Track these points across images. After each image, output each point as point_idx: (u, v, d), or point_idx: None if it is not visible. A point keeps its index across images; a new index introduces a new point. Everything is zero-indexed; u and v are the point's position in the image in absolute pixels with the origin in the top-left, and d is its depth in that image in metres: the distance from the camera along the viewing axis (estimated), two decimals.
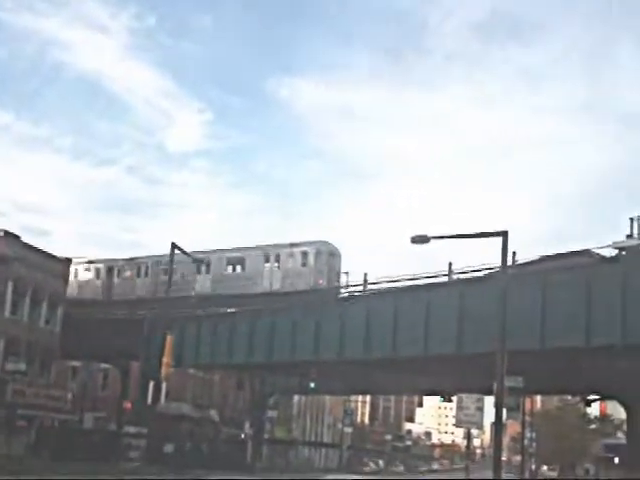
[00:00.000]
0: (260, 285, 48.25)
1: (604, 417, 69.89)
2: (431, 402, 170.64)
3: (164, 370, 39.35)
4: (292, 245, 48.11)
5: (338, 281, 47.39)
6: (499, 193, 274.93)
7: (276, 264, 48.39)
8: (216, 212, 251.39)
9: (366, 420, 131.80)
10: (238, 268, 50.71)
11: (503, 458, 77.60)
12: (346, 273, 47.04)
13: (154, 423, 48.09)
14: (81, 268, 57.62)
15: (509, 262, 30.35)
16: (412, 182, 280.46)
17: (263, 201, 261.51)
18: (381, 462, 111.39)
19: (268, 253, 48.79)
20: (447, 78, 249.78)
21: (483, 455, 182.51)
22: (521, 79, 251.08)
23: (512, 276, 29.36)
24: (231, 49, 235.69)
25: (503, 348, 26.71)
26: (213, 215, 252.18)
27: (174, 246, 44.27)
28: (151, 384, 41.33)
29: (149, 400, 41.65)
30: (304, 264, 47.10)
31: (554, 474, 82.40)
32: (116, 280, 56.21)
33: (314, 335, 42.81)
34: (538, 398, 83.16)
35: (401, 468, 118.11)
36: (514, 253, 33.61)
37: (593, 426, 69.09)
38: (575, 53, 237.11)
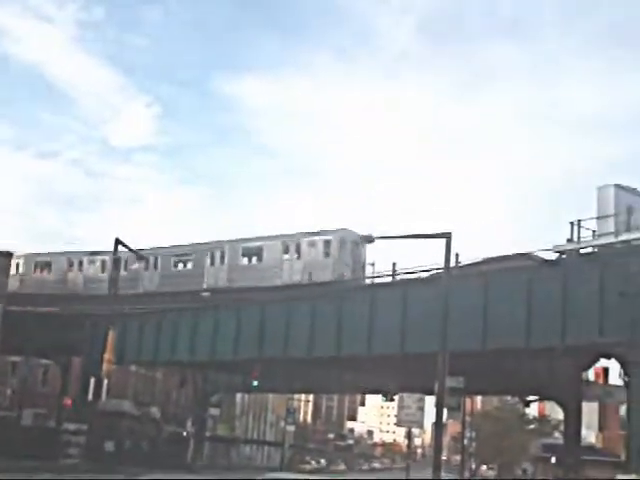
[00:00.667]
0: (279, 277, 45.37)
1: (542, 418, 70.98)
2: (374, 401, 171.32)
3: (106, 367, 39.03)
4: (314, 234, 44.80)
5: (363, 273, 44.40)
6: (450, 193, 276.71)
7: (296, 255, 45.20)
8: (163, 208, 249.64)
9: (309, 419, 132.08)
10: (254, 259, 47.55)
11: (443, 457, 78.47)
12: (372, 264, 43.67)
13: (94, 420, 47.56)
14: (63, 260, 55.54)
15: (452, 263, 30.79)
16: (360, 180, 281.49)
17: (211, 197, 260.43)
18: (323, 461, 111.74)
19: (287, 243, 45.52)
20: (396, 78, 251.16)
21: (424, 454, 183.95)
22: (470, 80, 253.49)
23: (455, 277, 29.70)
24: (180, 44, 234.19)
25: (445, 348, 27.01)
26: (159, 210, 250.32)
27: (118, 242, 43.83)
28: (92, 381, 40.91)
29: (90, 397, 41.20)
30: (327, 254, 43.80)
31: (493, 473, 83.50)
32: (123, 273, 51.89)
33: (258, 333, 42.70)
34: (479, 398, 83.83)
35: (342, 466, 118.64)
36: (457, 255, 33.95)
37: (532, 426, 70.11)
38: (525, 57, 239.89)
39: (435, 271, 35.35)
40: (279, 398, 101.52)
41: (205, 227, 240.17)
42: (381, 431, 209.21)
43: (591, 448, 58.02)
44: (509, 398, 67.25)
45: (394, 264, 39.74)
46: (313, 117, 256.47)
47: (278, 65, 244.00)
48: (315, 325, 40.47)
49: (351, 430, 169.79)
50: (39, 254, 58.22)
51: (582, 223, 32.44)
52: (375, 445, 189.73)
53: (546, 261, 33.56)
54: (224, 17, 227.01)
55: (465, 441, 67.71)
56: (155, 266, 51.35)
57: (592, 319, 30.34)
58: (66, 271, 55.56)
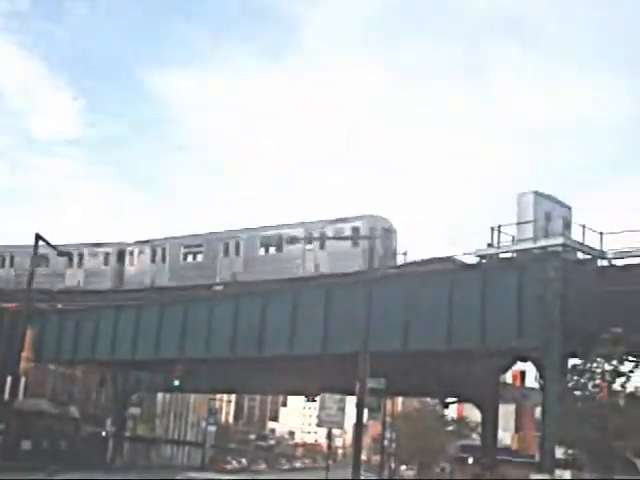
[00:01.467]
0: (302, 268, 41.38)
1: (461, 419, 72.00)
2: (296, 402, 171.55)
3: (23, 365, 38.24)
4: (340, 220, 40.79)
5: (394, 263, 40.35)
6: (385, 189, 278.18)
7: (320, 244, 41.21)
8: (86, 201, 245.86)
9: (230, 419, 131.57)
10: (272, 250, 43.42)
11: (363, 458, 78.83)
12: (404, 254, 40.15)
13: (11, 419, 46.60)
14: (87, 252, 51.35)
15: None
16: (283, 175, 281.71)
17: (136, 191, 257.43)
18: (244, 461, 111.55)
19: (311, 231, 41.33)
20: (320, 76, 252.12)
21: (345, 455, 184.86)
22: (398, 81, 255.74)
23: (377, 279, 30.07)
24: (107, 37, 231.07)
25: (366, 349, 27.34)
26: (84, 205, 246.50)
27: (38, 237, 42.96)
28: (9, 379, 40.13)
29: (6, 396, 40.39)
30: (355, 243, 40.02)
31: (412, 473, 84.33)
32: (128, 266, 49.41)
33: (180, 332, 42.48)
34: (400, 400, 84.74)
35: (263, 466, 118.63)
36: (381, 258, 34.28)
37: (450, 428, 70.96)
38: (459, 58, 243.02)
39: (358, 272, 35.73)
40: (201, 398, 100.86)
41: (134, 223, 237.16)
42: (303, 432, 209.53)
43: (507, 449, 59.05)
44: (429, 400, 68.03)
45: (317, 266, 39.95)
46: (239, 111, 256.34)
47: (204, 59, 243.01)
48: (237, 325, 40.45)
49: (272, 430, 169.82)
50: None
51: (503, 229, 33.12)
52: (296, 445, 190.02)
53: (467, 265, 34.16)
54: (150, 11, 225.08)
55: (385, 442, 68.46)
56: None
57: (510, 323, 31.07)
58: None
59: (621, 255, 31.82)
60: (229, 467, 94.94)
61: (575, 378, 27.30)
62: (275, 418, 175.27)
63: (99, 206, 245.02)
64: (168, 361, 45.90)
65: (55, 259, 48.97)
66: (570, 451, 28.40)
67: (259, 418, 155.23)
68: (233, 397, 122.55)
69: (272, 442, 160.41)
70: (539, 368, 32.10)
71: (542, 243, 31.67)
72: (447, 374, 42.19)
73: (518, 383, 66.09)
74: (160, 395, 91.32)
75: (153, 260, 47.70)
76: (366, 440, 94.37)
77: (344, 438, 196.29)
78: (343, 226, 40.03)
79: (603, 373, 26.68)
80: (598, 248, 31.77)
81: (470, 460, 60.24)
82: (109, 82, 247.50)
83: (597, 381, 26.87)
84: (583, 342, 27.45)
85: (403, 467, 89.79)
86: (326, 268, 40.28)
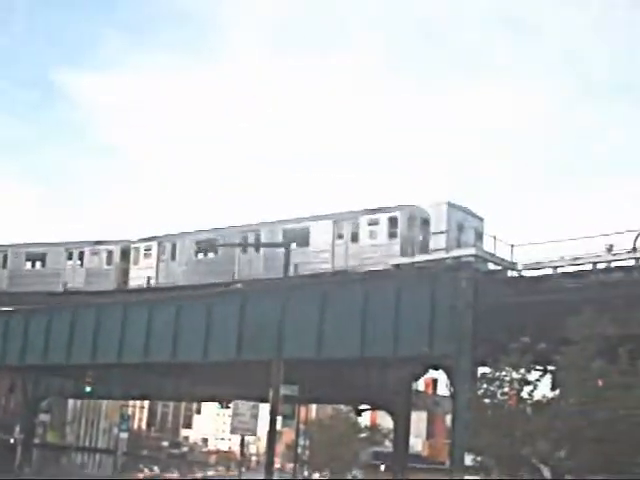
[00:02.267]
0: (330, 264, 37.71)
1: (374, 426, 72.62)
2: (210, 409, 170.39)
3: None
4: (375, 211, 37.16)
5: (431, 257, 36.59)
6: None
7: (351, 236, 37.51)
8: None
9: (143, 425, 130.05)
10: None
11: (277, 465, 78.58)
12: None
13: None
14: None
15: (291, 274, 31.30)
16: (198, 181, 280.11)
17: (48, 194, 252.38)
18: (156, 468, 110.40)
19: (341, 222, 37.89)
20: (235, 80, 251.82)
21: (258, 462, 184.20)
22: (317, 82, 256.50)
23: (292, 286, 30.20)
24: (19, 38, 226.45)
25: (280, 356, 27.42)
26: None
27: None
28: None
29: None
30: (392, 234, 36.22)
31: None
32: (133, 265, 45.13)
33: (92, 337, 41.84)
34: (314, 407, 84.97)
35: (176, 474, 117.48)
36: (296, 265, 34.43)
37: (363, 435, 71.47)
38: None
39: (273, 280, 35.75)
40: (113, 404, 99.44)
41: (44, 225, 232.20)
42: (216, 439, 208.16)
43: (418, 456, 59.92)
44: (343, 407, 68.40)
45: (233, 274, 39.86)
46: (154, 114, 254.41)
47: (120, 62, 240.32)
48: (151, 330, 40.02)
49: (186, 437, 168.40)
50: None
51: None
52: (210, 453, 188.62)
53: (380, 272, 34.53)
54: (64, 12, 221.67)
55: (299, 449, 68.45)
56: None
57: (422, 331, 31.55)
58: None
59: (530, 267, 32.69)
60: (141, 475, 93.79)
61: (485, 386, 27.82)
62: (189, 425, 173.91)
63: (11, 207, 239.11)
64: (80, 367, 45.17)
65: (54, 258, 46.86)
66: (479, 457, 28.95)
67: (172, 425, 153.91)
68: (146, 404, 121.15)
69: (185, 449, 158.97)
70: (450, 376, 32.65)
71: (455, 253, 32.31)
72: (360, 382, 42.56)
73: (430, 391, 67.24)
74: (71, 401, 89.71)
75: (161, 258, 43.78)
76: (280, 447, 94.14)
77: (258, 445, 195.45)
78: (379, 217, 36.93)
79: (511, 381, 27.27)
80: (509, 259, 32.59)
81: (382, 467, 60.86)
82: (22, 83, 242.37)
83: (506, 389, 27.46)
84: (493, 351, 28.04)
85: (316, 475, 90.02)
86: (356, 261, 36.82)
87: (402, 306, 32.36)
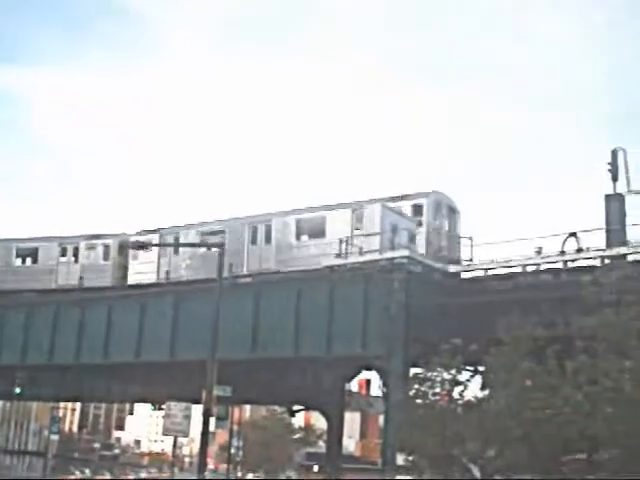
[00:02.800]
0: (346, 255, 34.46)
1: (308, 427, 72.96)
2: (143, 410, 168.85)
3: None
4: (398, 198, 34.84)
5: (459, 248, 34.92)
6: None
7: (371, 225, 34.51)
8: None
9: (75, 428, 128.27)
10: (304, 237, 37.01)
11: (210, 466, 78.31)
12: (470, 238, 34.25)
13: None
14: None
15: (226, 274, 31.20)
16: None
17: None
18: (88, 471, 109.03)
19: (360, 211, 34.95)
20: (178, 77, 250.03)
21: (192, 463, 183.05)
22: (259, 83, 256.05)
23: (227, 286, 30.11)
24: None
25: (214, 357, 27.31)
26: None
27: None
28: None
29: None
30: (418, 223, 34.28)
31: None
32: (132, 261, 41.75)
33: (23, 337, 41.17)
34: (248, 408, 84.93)
35: (108, 476, 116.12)
36: (230, 265, 34.33)
37: (297, 436, 71.77)
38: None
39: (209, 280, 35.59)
40: (43, 406, 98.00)
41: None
42: (149, 440, 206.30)
43: (351, 456, 60.27)
44: (277, 408, 68.51)
45: (167, 272, 39.57)
46: (94, 113, 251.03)
47: (60, 60, 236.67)
48: (83, 332, 39.61)
49: (118, 439, 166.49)
50: None
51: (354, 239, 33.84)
52: (142, 454, 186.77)
53: (315, 271, 34.61)
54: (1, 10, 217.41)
55: (232, 450, 68.38)
56: None
57: (356, 332, 31.79)
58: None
59: (463, 268, 33.19)
60: (72, 477, 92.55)
61: (416, 387, 28.13)
62: (121, 427, 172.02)
63: None
64: (9, 368, 44.34)
65: (46, 253, 43.82)
66: (411, 457, 29.26)
67: (105, 427, 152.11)
68: (78, 405, 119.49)
69: (117, 451, 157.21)
70: (383, 377, 32.93)
71: (389, 255, 32.55)
72: (294, 382, 42.61)
73: (364, 392, 67.61)
74: (0, 403, 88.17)
75: (163, 252, 40.56)
76: (214, 448, 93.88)
77: (191, 446, 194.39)
78: (402, 204, 34.78)
79: (443, 382, 27.65)
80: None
81: (315, 468, 61.08)
82: None
83: (437, 389, 27.82)
84: (425, 352, 28.39)
85: (250, 475, 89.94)
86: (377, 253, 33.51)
87: (336, 307, 32.56)
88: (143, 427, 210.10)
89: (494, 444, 25.53)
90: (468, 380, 27.98)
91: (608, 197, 30.68)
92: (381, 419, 46.06)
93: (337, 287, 32.98)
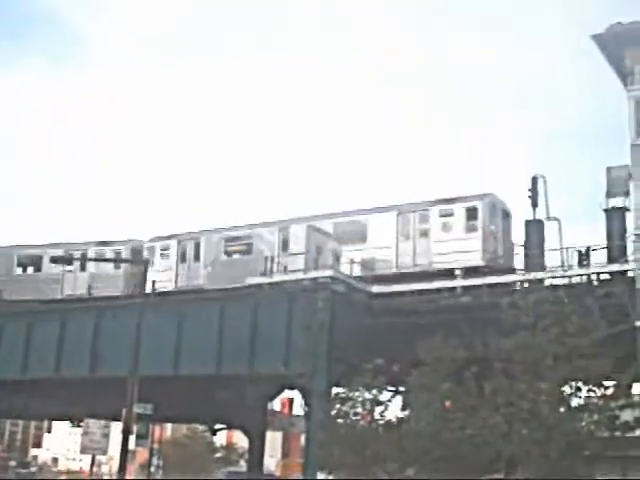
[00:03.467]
0: (393, 262, 33.36)
1: (230, 446, 72.56)
2: (61, 428, 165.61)
3: None
4: (448, 201, 32.80)
5: (513, 254, 32.66)
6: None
7: (419, 231, 33.12)
8: None
9: None
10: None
11: None
12: (523, 246, 31.98)
13: None
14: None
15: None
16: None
17: None
18: None
19: (406, 214, 33.29)
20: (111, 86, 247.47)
21: None
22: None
23: (149, 303, 29.89)
24: None
25: (135, 373, 27.02)
26: None
27: None
28: None
29: None
30: (472, 228, 32.05)
31: None
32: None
33: None
34: (169, 426, 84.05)
35: None
36: (153, 282, 34.11)
37: (219, 454, 71.32)
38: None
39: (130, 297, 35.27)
40: None
41: None
42: (67, 459, 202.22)
43: (270, 475, 60.11)
44: (199, 426, 68.01)
45: (89, 287, 39.09)
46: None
47: None
48: (0, 345, 38.82)
49: (35, 457, 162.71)
50: None
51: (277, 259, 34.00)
52: (60, 472, 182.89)
53: (236, 289, 34.64)
54: None
55: (152, 468, 67.50)
56: None
57: (279, 350, 31.82)
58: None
59: (387, 289, 33.42)
60: None
61: (338, 406, 28.31)
62: (38, 444, 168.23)
63: None
64: None
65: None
66: (331, 476, 29.38)
67: (21, 444, 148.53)
68: None
69: (34, 469, 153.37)
70: (305, 396, 33.05)
71: (313, 274, 32.76)
72: (217, 400, 42.42)
73: (287, 410, 67.51)
74: None
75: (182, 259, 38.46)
76: (133, 467, 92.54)
77: (111, 465, 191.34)
78: (452, 207, 32.62)
79: (364, 402, 27.88)
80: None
81: None
82: None
83: (358, 409, 28.03)
84: (347, 371, 28.64)
85: None
86: (425, 260, 32.79)
87: (259, 325, 32.59)
88: (61, 445, 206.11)
89: (413, 464, 25.83)
90: (389, 400, 28.34)
91: (528, 222, 31.40)
92: (303, 438, 46.05)
93: (261, 305, 33.04)
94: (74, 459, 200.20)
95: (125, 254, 40.14)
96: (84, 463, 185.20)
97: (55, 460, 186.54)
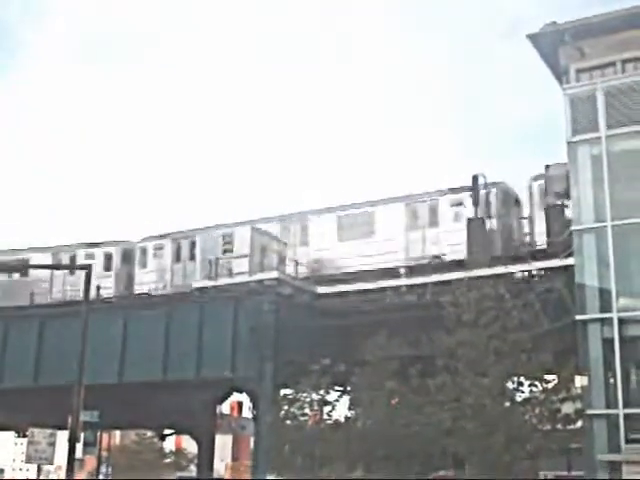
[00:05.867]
0: (403, 254, 32.44)
1: (179, 451, 72.14)
2: (6, 437, 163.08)
3: None
4: (457, 190, 32.14)
5: (525, 244, 31.61)
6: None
7: (428, 222, 32.39)
8: None
9: None
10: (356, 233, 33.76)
11: None
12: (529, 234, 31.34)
13: None
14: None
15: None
16: None
17: None
18: None
19: (414, 205, 32.81)
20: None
21: None
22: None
23: (95, 310, 29.63)
24: None
25: (80, 381, 26.81)
26: None
27: None
28: None
29: None
30: (487, 215, 31.30)
31: None
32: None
33: None
34: (118, 433, 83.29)
35: None
36: (98, 287, 33.86)
37: (168, 460, 70.88)
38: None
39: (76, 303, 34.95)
40: None
41: None
42: (13, 469, 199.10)
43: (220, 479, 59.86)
44: (148, 432, 67.51)
45: (32, 294, 38.55)
46: None
47: None
48: None
49: None
50: None
51: (222, 261, 33.93)
52: None
53: (185, 294, 34.55)
54: None
55: (101, 476, 66.85)
56: None
57: (225, 354, 31.78)
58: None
59: (333, 290, 33.56)
60: None
61: (286, 408, 28.42)
62: None
63: None
64: None
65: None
66: (280, 478, 29.46)
67: None
68: None
69: None
70: (253, 399, 33.05)
71: (258, 277, 32.80)
72: (164, 406, 42.13)
73: (236, 414, 67.43)
74: None
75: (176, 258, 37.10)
76: (82, 475, 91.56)
77: (59, 474, 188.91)
78: (461, 196, 31.98)
79: (311, 403, 28.03)
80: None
81: None
82: None
83: (306, 410, 28.17)
84: (294, 373, 28.72)
85: None
86: (436, 250, 31.94)
87: (205, 329, 32.50)
88: (6, 455, 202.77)
89: (360, 464, 26.01)
90: (336, 400, 28.48)
91: (470, 220, 31.77)
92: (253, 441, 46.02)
93: (207, 309, 32.96)
94: (20, 469, 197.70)
95: (116, 255, 39.30)
96: (31, 473, 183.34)
97: (1, 471, 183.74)
